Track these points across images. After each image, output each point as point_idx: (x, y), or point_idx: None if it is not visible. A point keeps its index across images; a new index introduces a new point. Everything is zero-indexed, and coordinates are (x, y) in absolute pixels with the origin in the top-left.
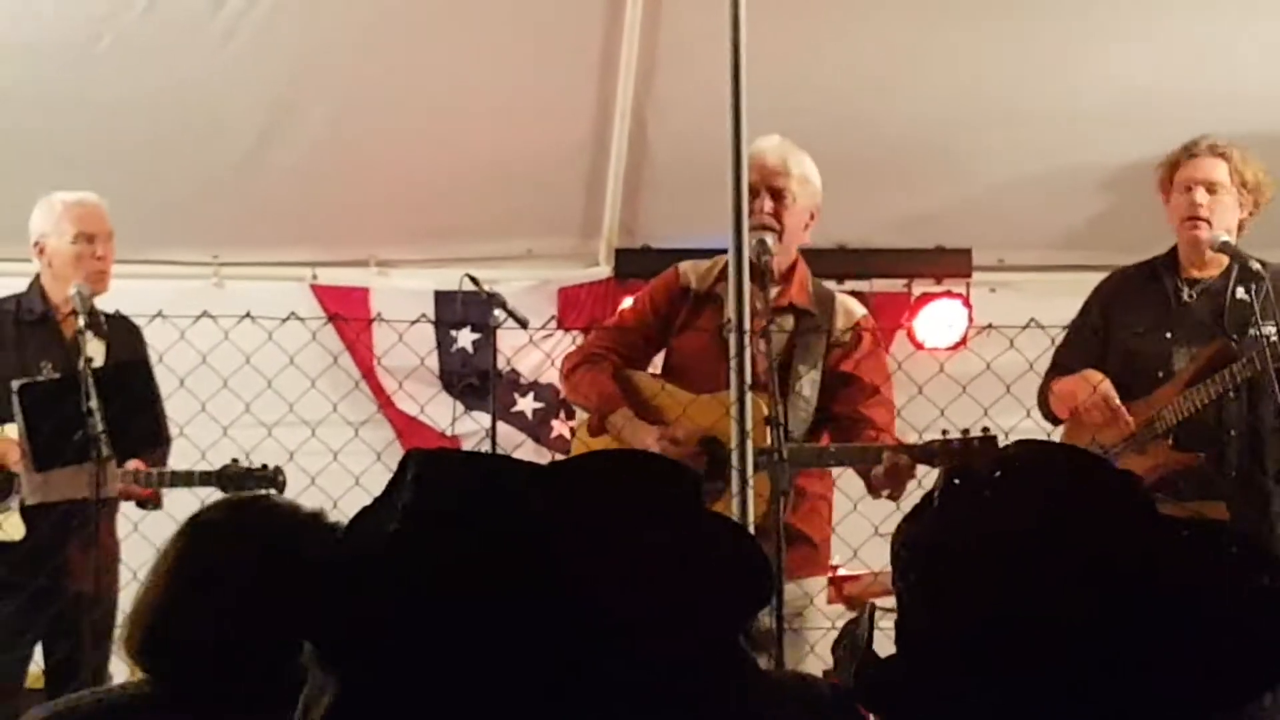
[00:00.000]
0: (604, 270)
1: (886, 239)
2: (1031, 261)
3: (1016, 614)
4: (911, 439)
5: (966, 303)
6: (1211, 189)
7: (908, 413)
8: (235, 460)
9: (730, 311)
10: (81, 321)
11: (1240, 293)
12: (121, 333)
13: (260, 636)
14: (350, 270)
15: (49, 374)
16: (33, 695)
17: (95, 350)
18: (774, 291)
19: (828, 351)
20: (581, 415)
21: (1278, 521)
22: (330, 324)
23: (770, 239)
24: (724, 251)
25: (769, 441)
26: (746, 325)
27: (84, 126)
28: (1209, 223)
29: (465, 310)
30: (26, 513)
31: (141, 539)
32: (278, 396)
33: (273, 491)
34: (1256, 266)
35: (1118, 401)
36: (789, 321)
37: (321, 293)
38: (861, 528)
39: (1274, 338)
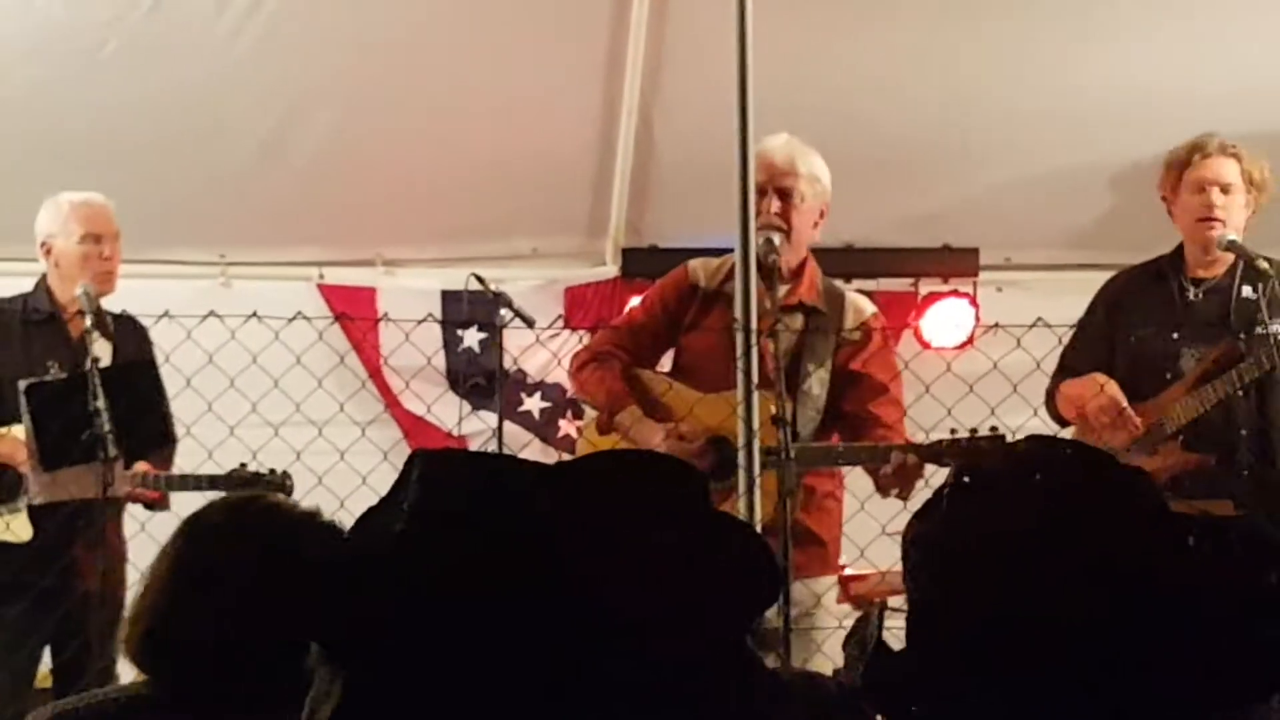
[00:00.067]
0: (610, 270)
1: (893, 238)
2: (1038, 260)
3: (1025, 612)
4: (919, 438)
5: (973, 302)
6: (1225, 189)
7: (915, 412)
8: (244, 464)
9: (738, 311)
10: (88, 321)
11: (1247, 291)
12: (128, 333)
13: (260, 636)
14: (357, 270)
15: (56, 374)
16: (41, 695)
17: (102, 350)
18: (783, 290)
19: (837, 350)
20: (589, 414)
21: None
22: (337, 323)
23: (778, 238)
24: (732, 251)
25: (777, 440)
26: (753, 324)
27: (90, 127)
28: (1224, 223)
29: (472, 310)
30: (33, 513)
31: (148, 539)
32: (284, 396)
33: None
34: (1264, 265)
35: (1125, 404)
36: (798, 320)
37: (328, 292)
38: (869, 527)
39: None
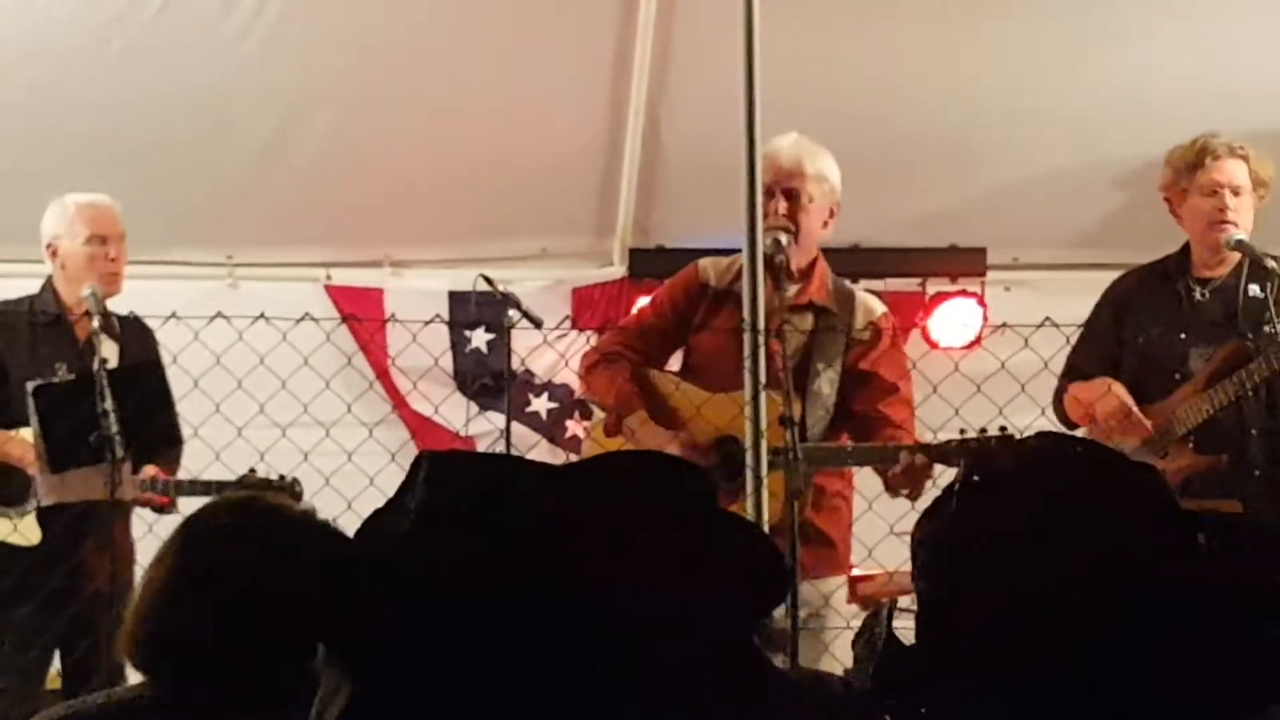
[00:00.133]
0: (618, 270)
1: (900, 238)
2: (1046, 260)
3: (1035, 611)
4: (926, 438)
5: (981, 302)
6: (1236, 192)
7: (922, 412)
8: (253, 470)
9: (746, 311)
10: (96, 323)
11: (1254, 290)
12: (134, 334)
13: (260, 636)
14: (364, 271)
15: (64, 376)
16: (51, 696)
17: (109, 351)
18: (793, 289)
19: (847, 349)
20: (596, 415)
21: None
22: (344, 325)
23: (785, 238)
24: (740, 251)
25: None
26: (760, 324)
27: (96, 128)
28: (1236, 225)
29: (479, 310)
30: (42, 515)
31: (157, 540)
32: (292, 397)
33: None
34: (1272, 264)
35: (1134, 406)
36: (808, 319)
37: (336, 293)
38: (877, 527)
39: None
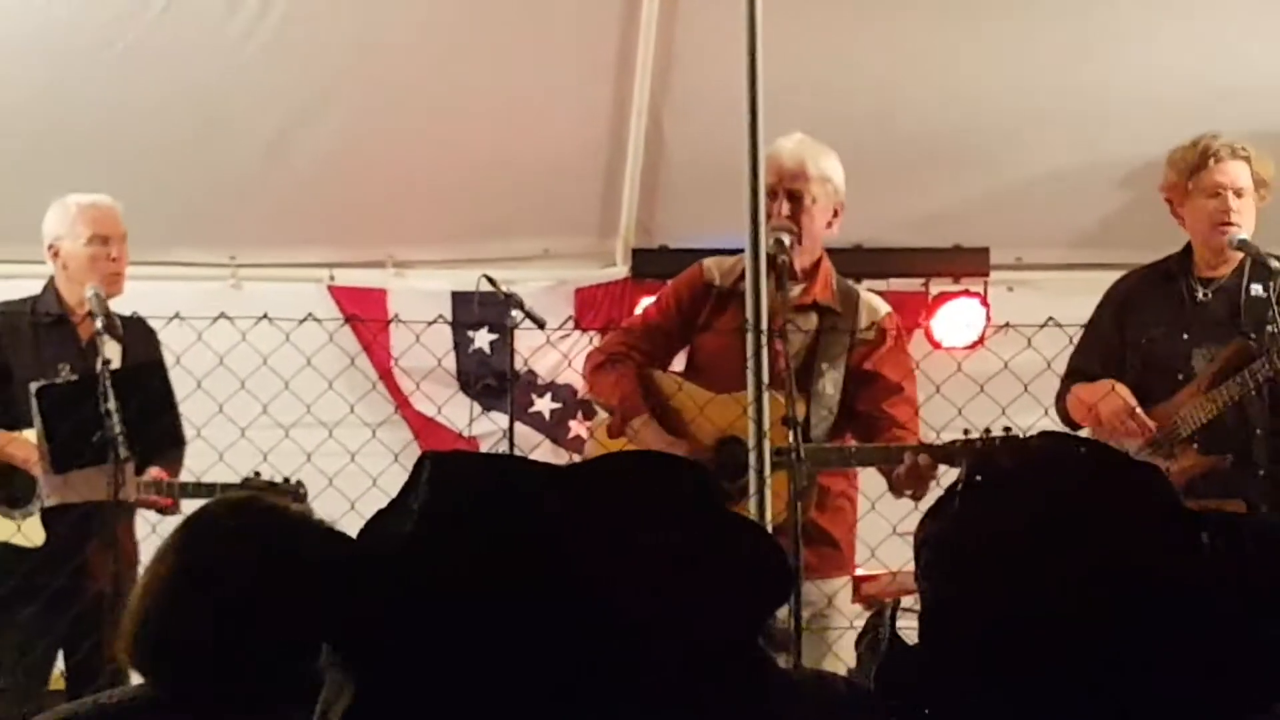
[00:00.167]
0: (621, 270)
1: (903, 238)
2: (1049, 260)
3: (1038, 611)
4: (930, 438)
5: (984, 302)
6: (1238, 193)
7: (925, 412)
8: (257, 473)
9: (749, 311)
10: (99, 323)
11: (1256, 289)
12: (137, 334)
13: (260, 636)
14: (367, 271)
15: (67, 376)
16: (55, 696)
17: (112, 352)
18: (797, 289)
19: (851, 349)
20: (599, 416)
21: None
22: (347, 325)
23: (788, 238)
24: (743, 250)
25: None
26: (764, 325)
27: (99, 129)
28: (1239, 226)
29: (482, 311)
30: (45, 515)
31: (159, 541)
32: (295, 398)
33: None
34: (1275, 264)
35: (1137, 407)
36: (812, 319)
37: (339, 294)
38: (881, 527)
39: None
